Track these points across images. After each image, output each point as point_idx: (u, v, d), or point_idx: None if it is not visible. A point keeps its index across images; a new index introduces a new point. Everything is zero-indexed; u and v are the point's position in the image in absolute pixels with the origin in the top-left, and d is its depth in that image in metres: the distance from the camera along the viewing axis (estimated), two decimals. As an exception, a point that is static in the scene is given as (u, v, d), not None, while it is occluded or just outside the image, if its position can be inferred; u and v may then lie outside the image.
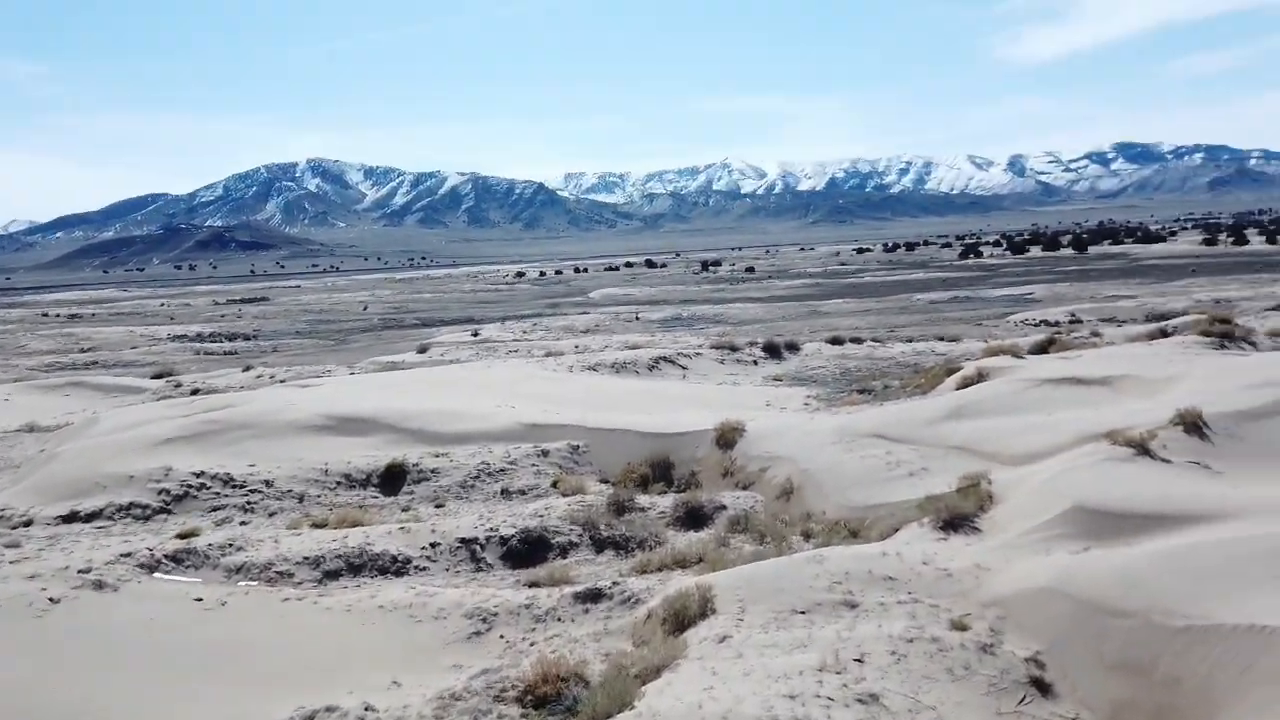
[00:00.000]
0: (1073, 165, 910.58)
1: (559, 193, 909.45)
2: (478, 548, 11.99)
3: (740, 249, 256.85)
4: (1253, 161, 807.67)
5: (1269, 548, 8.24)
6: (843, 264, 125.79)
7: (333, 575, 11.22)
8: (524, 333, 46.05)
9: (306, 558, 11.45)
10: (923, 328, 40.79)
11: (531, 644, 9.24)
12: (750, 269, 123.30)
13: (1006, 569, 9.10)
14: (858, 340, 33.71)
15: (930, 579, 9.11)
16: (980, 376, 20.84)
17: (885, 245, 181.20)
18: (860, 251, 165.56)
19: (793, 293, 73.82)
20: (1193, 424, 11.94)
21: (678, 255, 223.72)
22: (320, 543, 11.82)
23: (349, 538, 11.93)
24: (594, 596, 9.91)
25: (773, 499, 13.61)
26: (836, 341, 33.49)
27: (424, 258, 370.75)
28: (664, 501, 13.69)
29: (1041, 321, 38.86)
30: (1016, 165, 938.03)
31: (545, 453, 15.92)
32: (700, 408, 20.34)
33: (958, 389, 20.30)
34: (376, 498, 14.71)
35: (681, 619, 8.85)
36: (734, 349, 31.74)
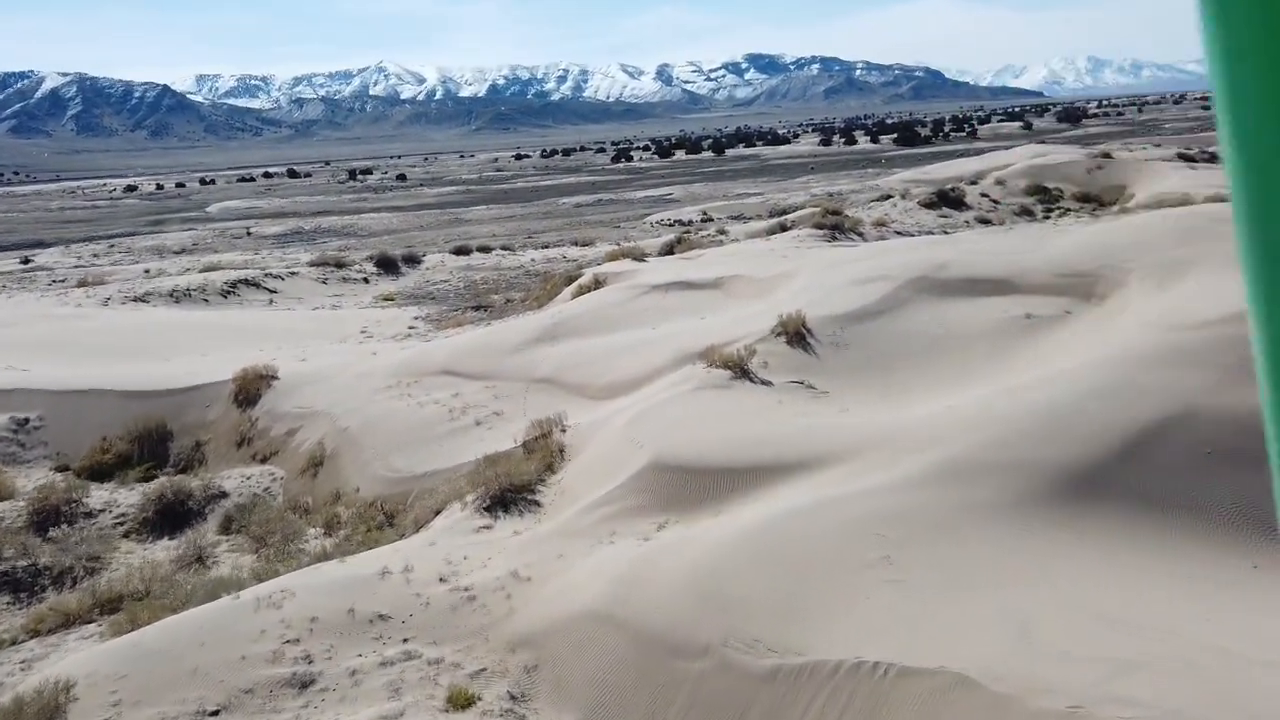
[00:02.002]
0: (713, 75, 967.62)
1: (190, 97, 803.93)
2: None
3: (400, 157, 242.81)
4: (858, 72, 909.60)
5: (873, 508, 6.09)
6: (499, 170, 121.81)
7: None
8: (94, 257, 37.50)
9: None
10: (561, 232, 38.55)
11: None
12: (402, 176, 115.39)
13: (552, 578, 6.27)
14: (486, 250, 30.48)
15: (443, 609, 6.05)
16: (598, 284, 18.48)
17: (543, 152, 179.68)
18: (519, 158, 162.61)
19: (441, 200, 68.98)
20: (796, 333, 9.99)
21: (327, 164, 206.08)
22: None
23: None
24: (-124, 719, 5.72)
25: (298, 474, 9.97)
26: (462, 251, 30.01)
27: (16, 173, 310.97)
28: (130, 497, 9.52)
29: (676, 221, 38.13)
30: (664, 74, 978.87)
31: (-28, 435, 10.90)
32: (261, 344, 15.98)
33: (575, 299, 17.80)
34: None
35: (0, 757, 5.05)
36: (340, 265, 27.13)
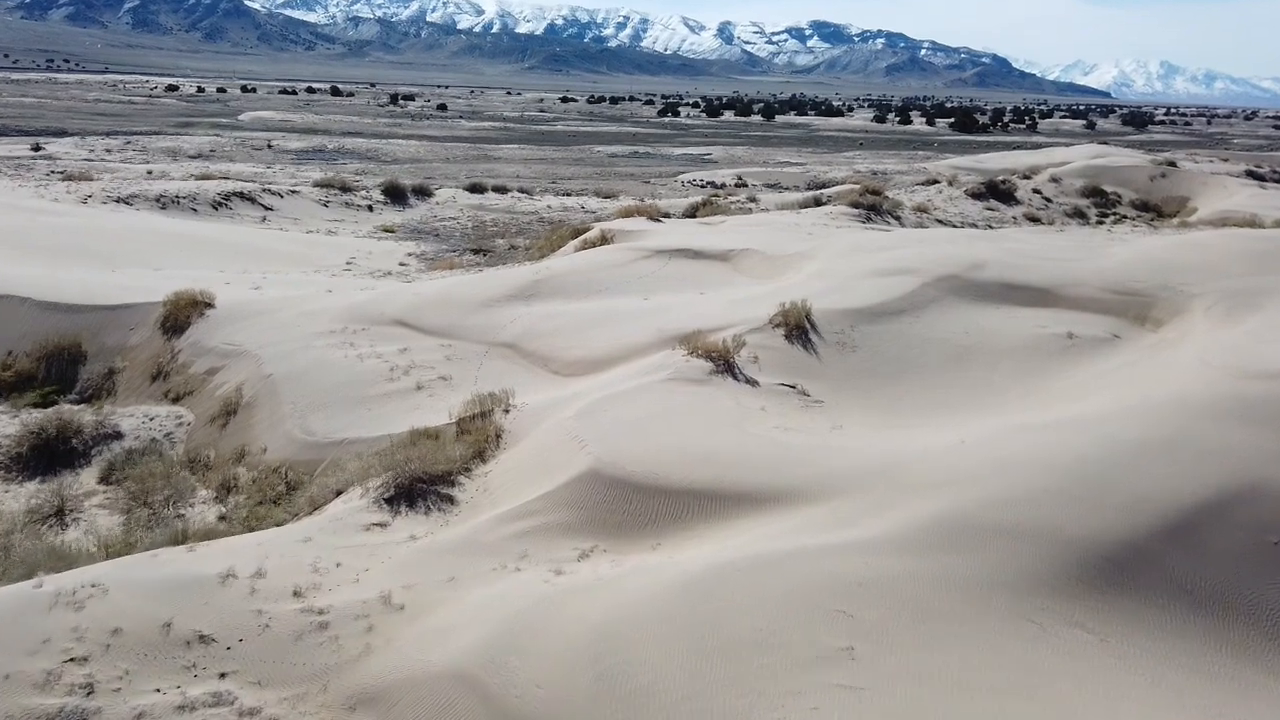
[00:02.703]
0: (775, 38, 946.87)
1: (247, 3, 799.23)
2: None
3: (448, 87, 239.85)
4: (923, 52, 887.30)
5: (843, 572, 4.74)
6: (542, 111, 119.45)
7: None
8: (106, 151, 36.39)
9: None
10: (589, 181, 36.94)
11: None
12: (442, 106, 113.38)
13: (431, 610, 4.98)
14: (502, 190, 29.01)
15: (283, 637, 4.79)
16: (605, 240, 17.10)
17: (590, 97, 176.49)
18: (565, 101, 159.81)
19: (475, 134, 67.24)
20: (797, 326, 8.57)
21: (373, 86, 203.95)
22: None
23: None
24: None
25: (207, 422, 8.73)
26: (477, 189, 28.55)
27: (67, 60, 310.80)
28: (9, 426, 8.33)
29: (708, 183, 36.40)
30: (725, 32, 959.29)
31: None
32: (227, 263, 14.76)
33: (567, 256, 16.42)
34: None
35: None
36: (346, 189, 25.79)
